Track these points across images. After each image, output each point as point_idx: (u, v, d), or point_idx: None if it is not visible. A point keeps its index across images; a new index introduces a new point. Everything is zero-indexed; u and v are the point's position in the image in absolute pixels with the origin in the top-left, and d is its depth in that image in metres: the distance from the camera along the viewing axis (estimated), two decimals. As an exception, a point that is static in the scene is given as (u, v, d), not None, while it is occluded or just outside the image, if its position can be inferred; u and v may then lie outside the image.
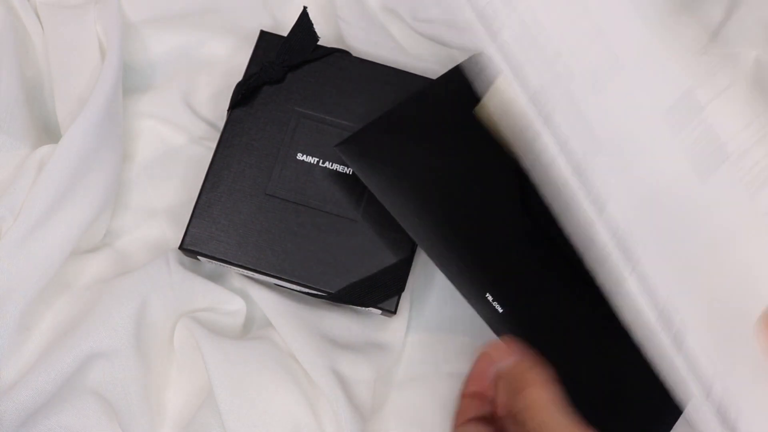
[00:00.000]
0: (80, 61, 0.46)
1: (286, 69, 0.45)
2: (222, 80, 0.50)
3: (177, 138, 0.49)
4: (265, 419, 0.40)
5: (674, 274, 0.29)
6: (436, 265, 0.38)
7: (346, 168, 0.44)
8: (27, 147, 0.45)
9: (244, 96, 0.45)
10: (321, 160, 0.44)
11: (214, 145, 0.44)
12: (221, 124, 0.45)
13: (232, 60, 0.50)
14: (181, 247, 0.42)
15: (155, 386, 0.42)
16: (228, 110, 0.45)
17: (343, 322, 0.45)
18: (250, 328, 0.45)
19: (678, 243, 0.30)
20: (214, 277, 0.45)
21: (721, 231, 0.31)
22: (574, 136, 0.29)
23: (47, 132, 0.48)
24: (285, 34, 0.46)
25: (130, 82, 0.50)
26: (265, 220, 0.42)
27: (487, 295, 0.38)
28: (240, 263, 0.42)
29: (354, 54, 0.48)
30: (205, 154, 0.47)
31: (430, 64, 0.50)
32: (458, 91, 0.43)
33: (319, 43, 0.46)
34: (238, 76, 0.46)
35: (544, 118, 0.29)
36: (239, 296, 0.44)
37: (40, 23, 0.48)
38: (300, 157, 0.44)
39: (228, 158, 0.44)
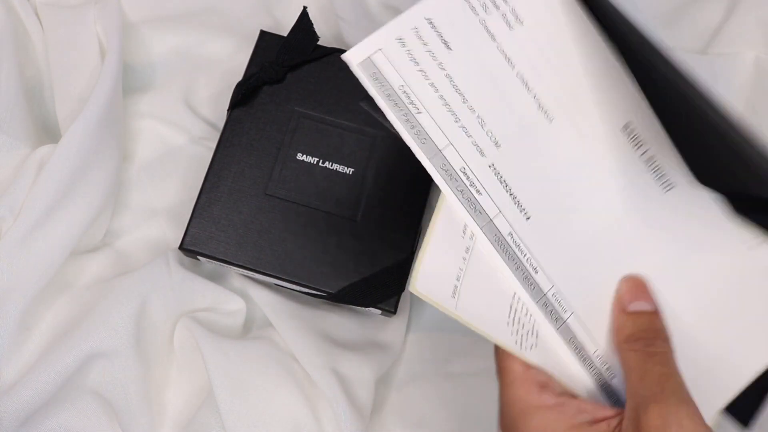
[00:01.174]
0: (80, 61, 0.46)
1: (286, 69, 0.45)
2: (222, 80, 0.50)
3: (177, 138, 0.49)
4: (265, 419, 0.40)
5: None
6: None
7: (346, 168, 0.44)
8: (27, 147, 0.45)
9: (244, 96, 0.45)
10: (321, 160, 0.44)
11: (214, 145, 0.44)
12: (221, 124, 0.45)
13: (232, 60, 0.50)
14: (181, 247, 0.42)
15: (155, 386, 0.42)
16: (228, 110, 0.45)
17: (343, 322, 0.45)
18: (250, 328, 0.45)
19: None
20: (214, 277, 0.45)
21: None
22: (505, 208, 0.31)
23: (47, 132, 0.48)
24: (285, 34, 0.46)
25: (130, 82, 0.50)
26: (265, 220, 0.43)
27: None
28: (240, 263, 0.42)
29: (354, 54, 0.47)
30: (205, 154, 0.47)
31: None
32: None
33: (319, 43, 0.46)
34: (238, 76, 0.46)
35: (476, 189, 0.31)
36: (239, 296, 0.44)
37: (40, 23, 0.48)
38: (300, 157, 0.44)
39: (228, 158, 0.44)
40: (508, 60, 0.32)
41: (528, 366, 0.31)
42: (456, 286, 0.31)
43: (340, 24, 0.50)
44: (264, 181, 0.43)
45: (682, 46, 0.50)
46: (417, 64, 0.31)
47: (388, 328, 0.45)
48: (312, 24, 0.46)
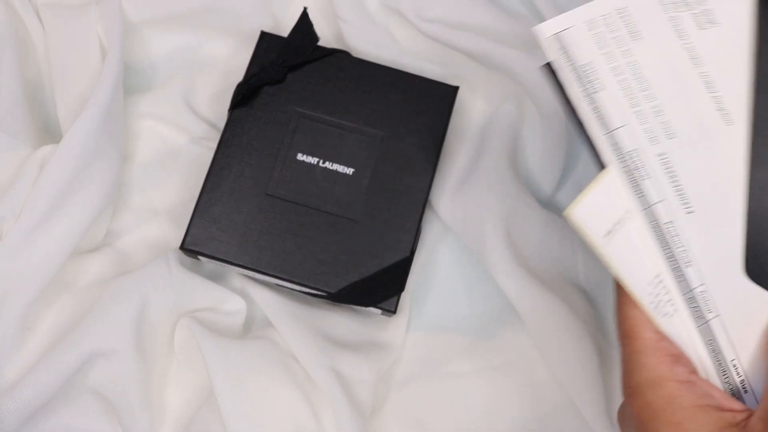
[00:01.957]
0: (81, 61, 0.46)
1: (287, 69, 0.45)
2: (222, 80, 0.50)
3: (177, 138, 0.49)
4: (265, 419, 0.40)
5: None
6: None
7: (346, 168, 0.44)
8: (28, 147, 0.45)
9: (244, 96, 0.45)
10: (321, 160, 0.44)
11: (214, 146, 0.45)
12: (222, 124, 0.45)
13: (233, 60, 0.50)
14: (181, 247, 0.42)
15: (156, 386, 0.42)
16: (228, 110, 0.45)
17: (343, 322, 0.45)
18: (250, 328, 0.45)
19: None
20: (215, 277, 0.45)
21: None
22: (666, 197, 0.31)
23: (48, 132, 0.48)
24: (285, 34, 0.46)
25: (131, 82, 0.50)
26: (266, 220, 0.43)
27: None
28: (240, 263, 0.42)
29: (354, 54, 0.48)
30: (205, 154, 0.48)
31: (431, 64, 0.50)
32: None
33: (319, 43, 0.46)
34: (239, 77, 0.46)
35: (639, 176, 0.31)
36: (239, 296, 0.44)
37: (41, 23, 0.48)
38: (300, 157, 0.44)
39: (228, 158, 0.44)
40: (693, 59, 0.33)
41: (661, 336, 0.31)
42: (611, 230, 0.31)
43: (341, 24, 0.50)
44: (264, 181, 0.43)
45: None
46: (603, 47, 0.32)
47: (388, 328, 0.45)
48: (312, 25, 0.46)
